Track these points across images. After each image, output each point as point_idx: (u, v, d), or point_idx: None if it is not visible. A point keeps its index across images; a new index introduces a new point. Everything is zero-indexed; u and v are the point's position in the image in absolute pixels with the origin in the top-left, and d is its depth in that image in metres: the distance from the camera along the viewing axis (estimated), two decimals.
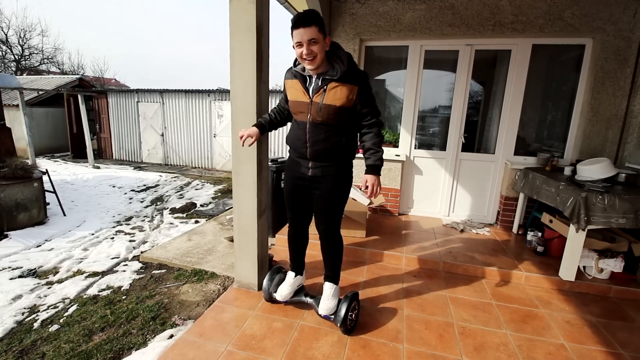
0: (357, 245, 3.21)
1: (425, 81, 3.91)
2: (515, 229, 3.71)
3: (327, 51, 1.77)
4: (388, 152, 4.08)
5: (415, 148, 4.11)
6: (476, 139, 4.05)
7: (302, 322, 2.16)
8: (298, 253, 2.27)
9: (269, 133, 2.31)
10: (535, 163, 3.66)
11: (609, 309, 2.46)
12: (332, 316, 2.06)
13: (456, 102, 3.84)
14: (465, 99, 3.81)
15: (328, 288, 2.13)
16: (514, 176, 3.65)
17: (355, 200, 3.35)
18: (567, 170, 3.10)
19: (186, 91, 9.03)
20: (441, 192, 4.13)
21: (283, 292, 2.23)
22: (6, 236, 3.86)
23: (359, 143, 2.00)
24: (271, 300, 2.32)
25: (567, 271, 2.65)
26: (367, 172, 1.91)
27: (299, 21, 1.66)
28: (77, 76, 11.12)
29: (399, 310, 2.33)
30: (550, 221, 3.06)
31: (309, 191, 2.03)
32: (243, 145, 2.05)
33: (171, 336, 2.24)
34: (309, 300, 2.22)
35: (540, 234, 3.23)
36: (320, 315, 2.11)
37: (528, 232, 3.34)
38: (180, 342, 1.99)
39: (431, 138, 4.19)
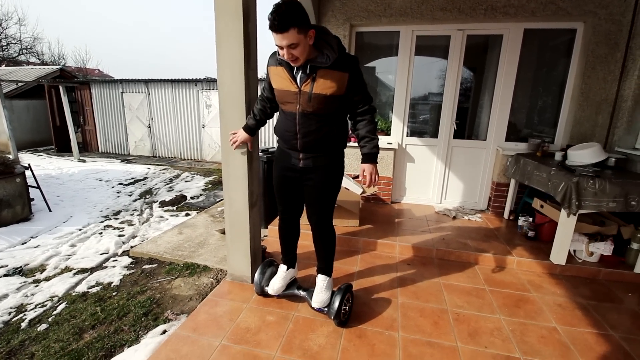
0: (351, 234, 3.19)
1: (416, 68, 3.86)
2: (506, 215, 3.74)
3: (315, 37, 1.62)
4: (380, 141, 4.04)
5: (407, 136, 4.08)
6: (468, 126, 4.04)
7: (297, 313, 2.15)
8: (289, 246, 2.22)
9: None
10: (527, 149, 3.68)
11: (599, 291, 2.51)
12: (326, 309, 2.04)
13: (448, 89, 3.81)
14: (457, 85, 3.78)
15: (321, 280, 2.10)
16: (505, 162, 3.66)
17: (348, 189, 3.32)
18: (558, 156, 3.12)
19: (172, 80, 8.77)
20: (433, 179, 4.13)
21: (275, 285, 2.19)
22: None
23: (350, 131, 1.95)
24: (263, 294, 2.28)
25: (558, 255, 2.69)
26: (363, 161, 1.87)
27: (273, 26, 1.48)
28: (58, 67, 10.67)
29: (393, 298, 2.33)
30: (541, 206, 3.09)
31: (300, 183, 1.96)
32: (235, 149, 2.11)
33: (164, 332, 2.20)
34: (301, 293, 2.19)
35: (531, 219, 3.26)
36: (313, 308, 2.09)
37: (519, 218, 3.37)
38: (173, 338, 1.96)
39: (423, 125, 4.16)
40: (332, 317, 1.97)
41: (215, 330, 2.00)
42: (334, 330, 1.99)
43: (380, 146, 4.06)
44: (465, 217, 3.76)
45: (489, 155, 3.89)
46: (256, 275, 2.27)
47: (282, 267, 2.24)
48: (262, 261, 2.64)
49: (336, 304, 1.94)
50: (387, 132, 4.14)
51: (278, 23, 1.45)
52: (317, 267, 2.15)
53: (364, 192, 3.44)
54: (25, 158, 8.74)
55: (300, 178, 1.94)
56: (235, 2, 1.97)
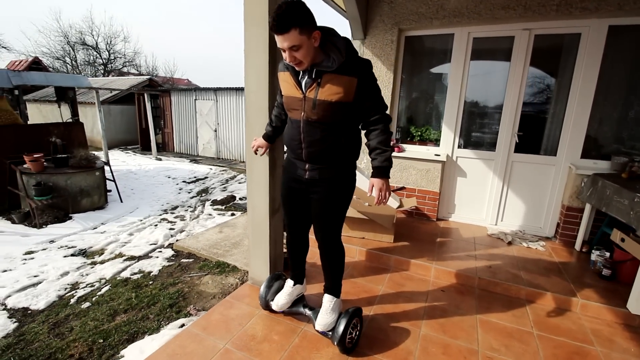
0: (383, 250, 2.98)
1: (472, 72, 3.49)
2: (578, 246, 3.14)
3: (321, 39, 1.51)
4: (427, 152, 3.76)
5: (459, 147, 3.71)
6: (533, 139, 3.50)
7: (306, 328, 2.05)
8: (297, 260, 2.09)
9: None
10: (609, 168, 3.05)
11: None
12: (330, 332, 1.87)
13: (509, 97, 3.36)
14: (521, 92, 3.32)
15: (327, 301, 1.94)
16: (580, 183, 3.08)
17: None
18: None
19: (237, 89, 9.44)
20: (488, 197, 3.67)
21: (280, 301, 2.08)
22: (70, 218, 4.38)
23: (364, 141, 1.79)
24: (268, 308, 2.17)
25: (639, 303, 2.13)
26: (373, 175, 1.70)
27: (272, 27, 1.40)
28: (147, 77, 12.32)
29: (415, 328, 2.09)
30: (622, 240, 2.50)
31: (306, 195, 1.84)
32: (256, 154, 2.12)
33: (182, 325, 2.30)
34: (307, 312, 2.04)
35: (608, 254, 2.67)
36: (317, 331, 1.93)
37: (593, 251, 2.79)
38: (183, 334, 2.02)
39: (478, 136, 3.74)
40: (336, 343, 1.80)
41: (223, 333, 2.01)
42: (340, 355, 1.85)
43: (426, 158, 3.76)
44: (524, 243, 3.26)
45: (559, 173, 3.32)
46: (262, 288, 2.17)
47: (289, 283, 2.12)
48: (283, 268, 2.62)
49: (341, 328, 1.77)
50: (436, 143, 3.82)
51: (277, 23, 1.38)
52: (324, 286, 2.01)
53: (400, 205, 3.20)
54: (116, 154, 10.19)
55: (306, 190, 1.82)
56: (261, 12, 2.00)
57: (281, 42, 1.44)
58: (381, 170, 1.67)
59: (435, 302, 2.38)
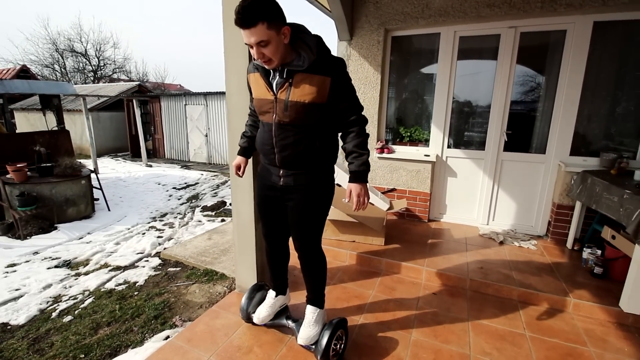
0: (373, 254, 2.94)
1: (460, 71, 3.48)
2: (569, 244, 3.12)
3: (291, 36, 1.43)
4: (417, 152, 3.73)
5: (448, 147, 3.69)
6: (522, 137, 3.49)
7: (294, 338, 1.98)
8: (278, 271, 1.98)
9: None
10: (598, 165, 3.04)
11: None
12: (313, 346, 1.77)
13: (497, 95, 3.35)
14: (509, 91, 3.30)
15: (310, 312, 1.84)
16: (569, 180, 3.07)
17: (373, 204, 3.07)
18: (638, 175, 2.49)
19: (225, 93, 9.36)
20: (479, 196, 3.65)
21: (261, 314, 1.97)
22: (56, 228, 4.27)
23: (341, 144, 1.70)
24: (249, 321, 2.06)
25: (631, 301, 2.11)
26: (350, 180, 1.60)
27: (237, 21, 1.31)
28: (136, 83, 12.20)
29: (406, 334, 2.04)
30: (613, 237, 2.49)
31: (282, 202, 1.74)
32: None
33: (167, 337, 2.22)
34: (290, 324, 1.94)
35: (599, 251, 2.66)
36: (300, 345, 1.82)
37: (584, 249, 2.77)
38: (167, 347, 1.95)
39: (467, 136, 3.72)
40: (319, 357, 1.69)
41: (208, 345, 1.94)
42: None
43: (416, 159, 3.69)
44: (516, 243, 3.23)
45: (549, 171, 3.30)
46: (243, 300, 2.05)
47: (271, 294, 2.02)
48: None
49: (324, 341, 1.68)
50: (426, 144, 3.79)
51: (243, 17, 1.28)
52: (306, 297, 1.90)
53: (390, 207, 3.16)
54: (105, 162, 10.05)
55: (282, 197, 1.72)
56: None
57: (248, 37, 1.34)
58: (358, 175, 1.58)
59: (427, 305, 2.34)
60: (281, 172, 1.66)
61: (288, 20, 1.44)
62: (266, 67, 1.47)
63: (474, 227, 3.66)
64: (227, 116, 2.19)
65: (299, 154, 1.57)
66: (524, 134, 3.45)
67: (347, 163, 1.65)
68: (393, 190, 3.86)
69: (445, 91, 3.53)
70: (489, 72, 3.39)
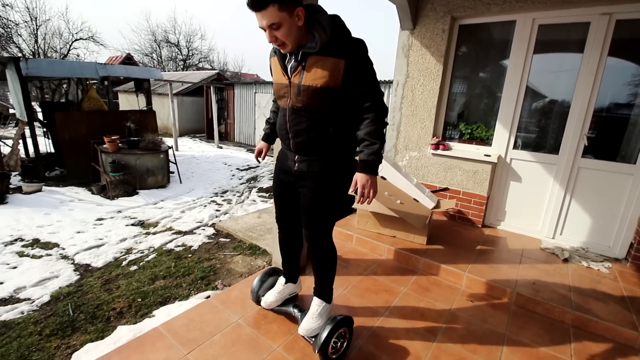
0: (413, 251, 2.84)
1: (535, 64, 3.10)
2: None
3: (306, 17, 1.36)
4: (476, 151, 3.46)
5: (514, 148, 3.34)
6: (607, 142, 3.00)
7: None
8: (289, 258, 1.96)
9: None
10: None
11: None
12: (313, 339, 1.73)
13: (579, 92, 2.92)
14: (595, 88, 2.86)
15: (315, 305, 1.80)
16: None
17: (418, 201, 2.96)
18: None
19: None
20: (546, 206, 3.25)
21: (268, 299, 1.98)
22: (137, 193, 4.98)
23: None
24: (258, 303, 2.07)
25: None
26: (357, 170, 1.52)
27: (249, 2, 1.29)
28: (215, 71, 13.34)
29: (431, 334, 1.96)
30: None
31: (295, 188, 1.70)
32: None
33: (208, 297, 2.48)
34: (296, 312, 1.92)
35: None
36: (301, 335, 1.79)
37: None
38: (205, 304, 2.18)
39: (538, 137, 3.32)
40: (316, 351, 1.63)
41: (239, 309, 2.12)
42: None
43: (475, 158, 3.42)
44: (584, 262, 2.83)
45: (638, 185, 2.80)
46: (255, 281, 2.09)
47: (281, 280, 2.02)
48: (307, 258, 2.65)
49: (323, 335, 1.61)
50: (487, 142, 3.49)
51: None
52: (313, 289, 1.85)
53: (437, 206, 3.00)
54: (185, 141, 11.26)
55: (295, 183, 1.68)
56: None
57: (260, 20, 1.31)
58: (366, 165, 1.48)
59: (460, 312, 2.21)
60: (296, 157, 1.63)
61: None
62: (282, 50, 1.43)
63: (535, 239, 3.29)
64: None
65: (311, 140, 1.54)
66: (610, 138, 2.97)
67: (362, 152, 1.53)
68: (446, 189, 3.65)
69: (517, 86, 3.19)
70: (572, 65, 2.96)
